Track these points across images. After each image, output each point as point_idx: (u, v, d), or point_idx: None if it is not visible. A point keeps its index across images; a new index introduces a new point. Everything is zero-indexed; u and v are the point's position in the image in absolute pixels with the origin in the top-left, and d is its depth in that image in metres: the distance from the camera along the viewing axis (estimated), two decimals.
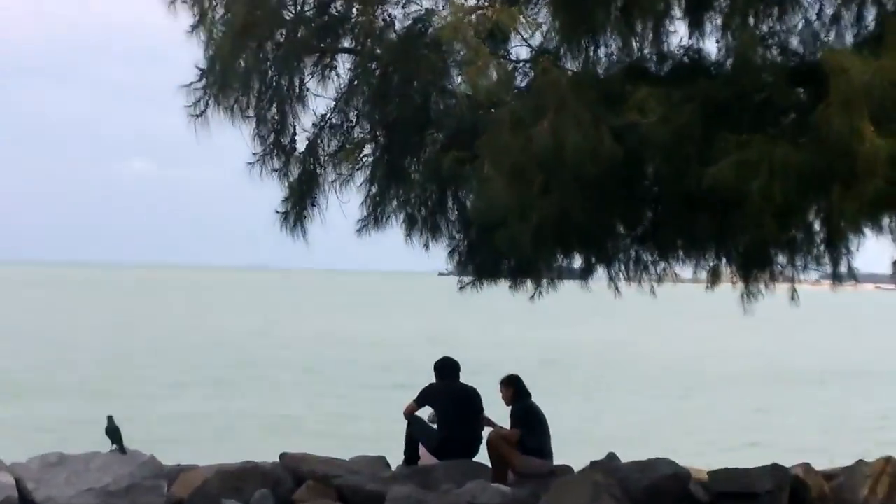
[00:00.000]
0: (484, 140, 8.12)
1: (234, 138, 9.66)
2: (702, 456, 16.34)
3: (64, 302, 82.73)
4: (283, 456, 10.36)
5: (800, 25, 8.33)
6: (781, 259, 9.59)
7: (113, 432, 10.15)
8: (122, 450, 10.04)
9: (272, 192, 10.02)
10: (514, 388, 10.69)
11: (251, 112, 9.57)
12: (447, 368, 11.09)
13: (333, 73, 9.62)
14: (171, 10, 9.40)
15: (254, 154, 9.84)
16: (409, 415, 10.93)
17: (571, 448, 12.62)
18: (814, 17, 8.35)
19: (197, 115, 9.44)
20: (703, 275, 9.92)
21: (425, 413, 10.96)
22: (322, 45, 9.49)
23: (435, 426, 10.89)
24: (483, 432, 10.90)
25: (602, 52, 8.75)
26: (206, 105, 9.43)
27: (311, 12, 9.40)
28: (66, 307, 74.27)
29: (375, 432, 20.16)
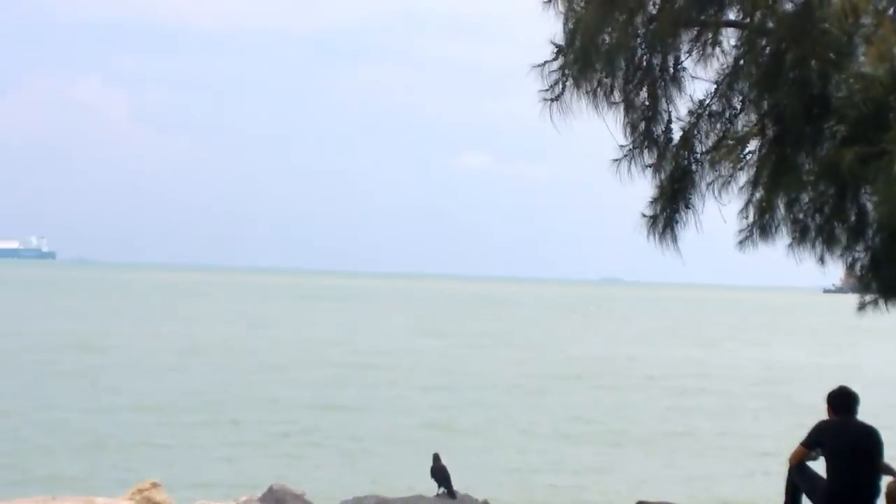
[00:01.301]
0: (894, 133, 6.69)
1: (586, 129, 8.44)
2: None
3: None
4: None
5: None
6: None
7: (438, 472, 9.47)
8: (451, 494, 9.34)
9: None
10: None
11: (617, 96, 8.33)
12: (845, 401, 9.29)
13: (716, 51, 8.13)
14: None
15: (621, 147, 8.58)
16: (797, 462, 9.30)
17: None
18: None
19: (552, 99, 8.33)
20: None
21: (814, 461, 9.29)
22: (703, 18, 8.05)
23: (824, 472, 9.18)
24: (882, 481, 9.06)
25: None
26: (563, 88, 8.31)
27: None
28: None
29: None
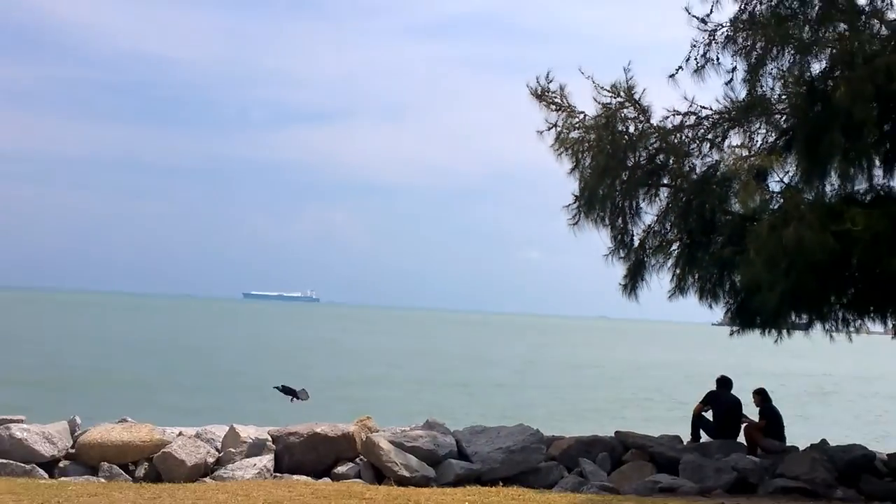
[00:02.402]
0: (749, 238, 13.73)
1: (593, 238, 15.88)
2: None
3: None
4: (616, 432, 16.20)
5: None
6: None
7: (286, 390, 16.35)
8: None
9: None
10: (761, 396, 16.37)
11: (607, 222, 15.74)
12: (724, 382, 16.59)
13: (657, 199, 15.73)
14: (558, 161, 15.61)
15: (608, 248, 16.02)
16: (697, 413, 16.47)
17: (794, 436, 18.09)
18: None
19: (574, 223, 15.67)
20: (889, 328, 15.59)
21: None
22: (650, 182, 15.61)
23: (711, 419, 16.42)
24: (742, 424, 16.34)
25: (828, 186, 14.54)
26: (579, 217, 15.65)
27: (644, 161, 15.54)
28: None
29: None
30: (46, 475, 13.79)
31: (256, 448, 14.43)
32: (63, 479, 13.63)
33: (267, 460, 14.27)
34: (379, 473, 14.26)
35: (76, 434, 14.51)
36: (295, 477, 14.07)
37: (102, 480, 13.60)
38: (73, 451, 14.28)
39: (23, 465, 13.77)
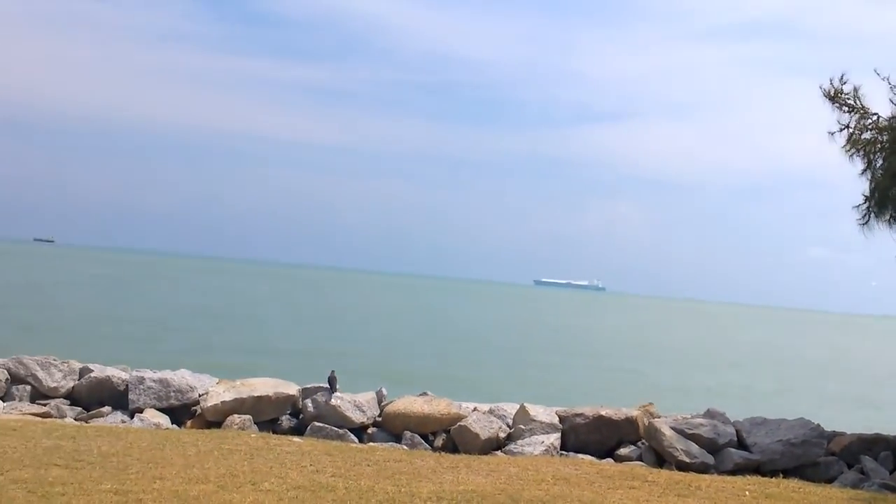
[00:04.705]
0: None
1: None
2: None
3: None
4: None
5: None
6: None
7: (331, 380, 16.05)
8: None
9: None
10: None
11: None
12: None
13: None
14: (850, 161, 15.68)
15: None
16: None
17: None
18: None
19: (864, 223, 15.70)
20: None
21: None
22: None
23: None
24: None
25: None
26: (869, 217, 15.68)
27: None
28: None
29: None
30: (356, 440, 15.37)
31: (544, 426, 15.45)
32: (371, 444, 15.14)
33: (554, 438, 15.26)
34: (659, 457, 14.94)
35: (382, 404, 16.04)
36: (580, 456, 15.00)
37: (405, 448, 14.98)
38: (380, 419, 15.81)
39: (336, 429, 15.43)
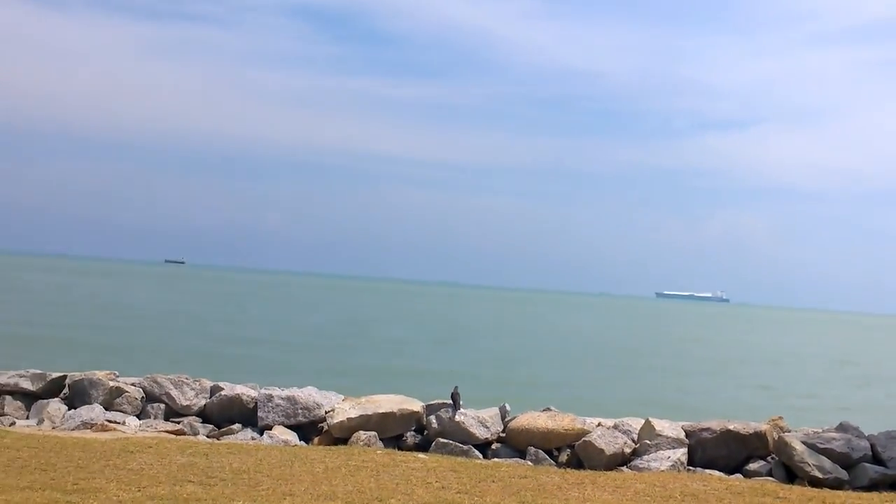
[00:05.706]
0: None
1: None
2: None
3: None
4: None
5: None
6: None
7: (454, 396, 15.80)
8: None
9: None
10: None
11: None
12: None
13: None
14: None
15: None
16: None
17: None
18: None
19: None
20: None
21: None
22: None
23: None
24: None
25: None
26: None
27: None
28: None
29: None
30: (481, 456, 15.41)
31: (670, 441, 15.24)
32: (495, 459, 15.16)
33: (681, 453, 15.04)
34: (790, 473, 14.59)
35: (506, 420, 16.03)
36: (707, 471, 14.75)
37: (529, 463, 14.94)
38: (504, 434, 15.81)
39: (461, 445, 15.48)
